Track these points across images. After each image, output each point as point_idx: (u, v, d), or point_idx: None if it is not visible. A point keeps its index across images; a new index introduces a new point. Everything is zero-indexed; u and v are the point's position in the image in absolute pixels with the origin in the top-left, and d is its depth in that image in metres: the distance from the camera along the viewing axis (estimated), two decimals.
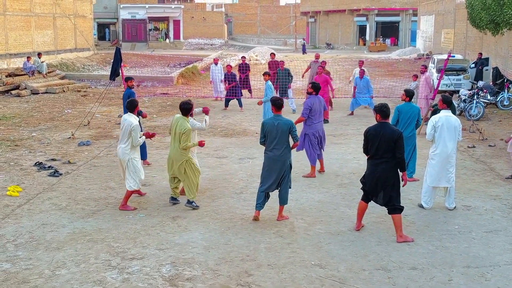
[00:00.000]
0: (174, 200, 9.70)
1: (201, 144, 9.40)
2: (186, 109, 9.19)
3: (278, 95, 16.76)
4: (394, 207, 8.10)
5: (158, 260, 7.40)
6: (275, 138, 8.61)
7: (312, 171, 11.47)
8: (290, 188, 8.98)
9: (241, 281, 6.82)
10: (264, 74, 15.86)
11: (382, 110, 8.11)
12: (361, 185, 8.47)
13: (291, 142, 8.87)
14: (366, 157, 8.36)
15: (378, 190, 8.16)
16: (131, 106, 9.57)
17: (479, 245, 8.02)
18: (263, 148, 8.94)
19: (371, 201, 8.37)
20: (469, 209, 9.58)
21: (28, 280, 6.79)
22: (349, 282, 6.82)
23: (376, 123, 8.24)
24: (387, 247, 7.89)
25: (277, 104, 8.73)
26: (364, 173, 8.47)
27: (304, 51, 56.26)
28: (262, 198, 8.89)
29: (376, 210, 9.41)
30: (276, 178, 8.74)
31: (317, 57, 22.17)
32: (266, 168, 8.81)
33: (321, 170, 11.73)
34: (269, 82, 15.45)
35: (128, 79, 12.49)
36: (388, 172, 8.04)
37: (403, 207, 8.20)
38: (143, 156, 11.80)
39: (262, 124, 8.83)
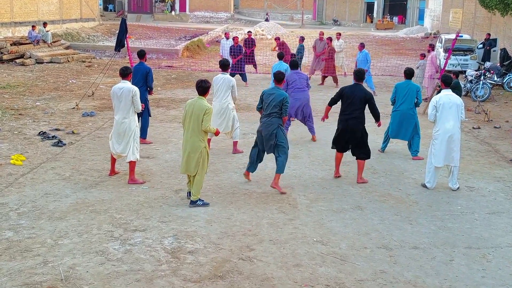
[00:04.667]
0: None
1: (216, 133, 8.84)
2: (204, 87, 8.33)
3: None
4: (363, 155, 9.67)
5: (161, 232, 7.43)
6: (267, 106, 9.20)
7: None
8: (286, 154, 9.23)
9: (243, 255, 6.84)
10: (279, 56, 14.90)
11: (356, 74, 9.73)
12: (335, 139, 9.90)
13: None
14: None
15: (346, 140, 9.63)
16: (125, 72, 9.29)
17: (482, 226, 8.02)
18: None
19: (346, 151, 9.85)
20: (472, 190, 9.57)
21: (30, 248, 6.82)
22: (350, 259, 6.84)
23: (352, 84, 9.75)
24: (389, 225, 7.90)
25: (276, 78, 9.46)
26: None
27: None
28: (254, 157, 9.50)
29: (379, 188, 9.44)
30: (265, 141, 9.22)
31: (321, 34, 21.96)
32: (259, 131, 9.35)
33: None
34: (281, 63, 14.28)
35: (142, 54, 11.87)
36: (356, 126, 9.53)
37: (369, 155, 9.79)
38: (143, 134, 11.75)
39: (261, 93, 9.47)
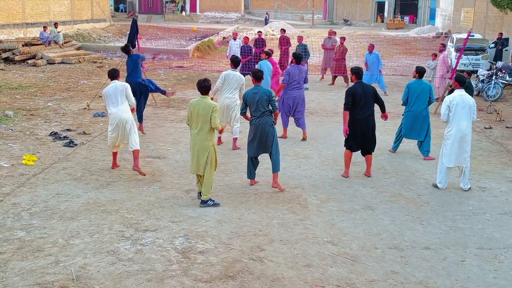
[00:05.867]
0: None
1: (221, 131, 9.20)
2: (206, 86, 8.40)
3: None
4: (372, 149, 10.00)
5: (171, 232, 7.44)
6: (256, 107, 9.04)
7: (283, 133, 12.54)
8: (279, 152, 9.27)
9: (253, 255, 6.84)
10: (263, 53, 14.50)
11: (357, 72, 9.79)
12: (347, 138, 9.85)
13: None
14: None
15: (366, 138, 9.76)
16: (114, 74, 9.83)
17: (493, 226, 7.97)
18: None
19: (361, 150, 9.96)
20: (484, 191, 9.51)
21: (42, 248, 6.86)
22: (361, 260, 6.82)
23: (356, 83, 9.71)
24: (400, 226, 7.86)
25: (256, 76, 9.26)
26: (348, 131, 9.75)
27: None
28: (251, 166, 9.37)
29: (390, 189, 9.41)
30: (260, 143, 9.12)
31: (330, 33, 21.97)
32: (251, 136, 9.20)
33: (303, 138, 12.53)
34: (266, 61, 14.06)
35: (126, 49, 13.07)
36: (373, 121, 9.84)
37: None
38: (140, 119, 12.68)
39: (243, 96, 9.31)
